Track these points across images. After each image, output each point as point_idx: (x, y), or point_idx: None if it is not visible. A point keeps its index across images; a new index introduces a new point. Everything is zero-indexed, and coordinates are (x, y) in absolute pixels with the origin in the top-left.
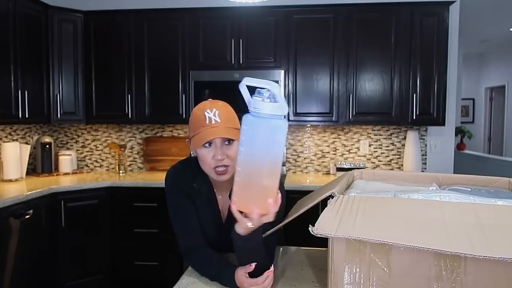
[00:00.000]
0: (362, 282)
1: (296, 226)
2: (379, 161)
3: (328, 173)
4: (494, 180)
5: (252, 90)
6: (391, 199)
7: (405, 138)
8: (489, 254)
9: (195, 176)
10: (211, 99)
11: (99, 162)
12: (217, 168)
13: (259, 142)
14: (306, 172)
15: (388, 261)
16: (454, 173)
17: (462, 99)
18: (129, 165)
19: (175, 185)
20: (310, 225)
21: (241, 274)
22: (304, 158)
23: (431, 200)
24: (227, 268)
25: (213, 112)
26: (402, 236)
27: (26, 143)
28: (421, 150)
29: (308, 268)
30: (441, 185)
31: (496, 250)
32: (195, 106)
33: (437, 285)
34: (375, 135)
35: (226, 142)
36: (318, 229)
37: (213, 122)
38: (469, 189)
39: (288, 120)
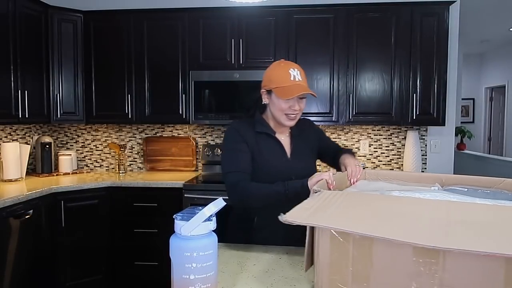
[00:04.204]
0: (345, 275)
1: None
2: (379, 161)
3: None
4: (499, 182)
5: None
6: (369, 195)
7: (405, 138)
8: (458, 247)
9: (253, 125)
10: (284, 60)
11: (99, 162)
12: (289, 115)
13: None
14: None
15: (370, 256)
16: (454, 173)
17: (462, 99)
18: (129, 165)
19: (235, 133)
20: (281, 213)
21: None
22: None
23: (408, 197)
24: (294, 181)
25: (296, 71)
26: (367, 226)
27: (26, 143)
28: (421, 150)
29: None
30: (444, 185)
31: (465, 244)
32: (195, 106)
33: (416, 281)
34: (375, 135)
35: (301, 97)
36: (287, 216)
37: (297, 79)
38: (466, 189)
39: None
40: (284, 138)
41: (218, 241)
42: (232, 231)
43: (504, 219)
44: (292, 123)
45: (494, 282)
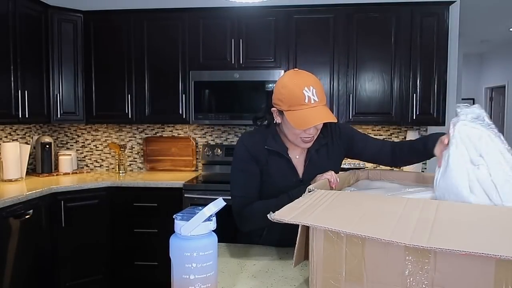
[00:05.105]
0: (339, 274)
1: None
2: None
3: None
4: None
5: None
6: (359, 194)
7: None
8: (439, 246)
9: (265, 139)
10: (297, 70)
11: (99, 162)
12: (304, 138)
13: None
14: None
15: (363, 255)
16: None
17: (462, 99)
18: (129, 165)
19: (244, 151)
20: (271, 212)
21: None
22: None
23: (397, 197)
24: (298, 188)
25: (311, 90)
26: (353, 225)
27: (26, 143)
28: None
29: (309, 268)
30: None
31: (451, 244)
32: (195, 106)
33: (408, 280)
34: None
35: None
36: (275, 214)
37: (312, 101)
38: None
39: None
40: (299, 156)
41: (223, 241)
42: (243, 235)
43: (492, 219)
44: (308, 145)
45: (484, 282)
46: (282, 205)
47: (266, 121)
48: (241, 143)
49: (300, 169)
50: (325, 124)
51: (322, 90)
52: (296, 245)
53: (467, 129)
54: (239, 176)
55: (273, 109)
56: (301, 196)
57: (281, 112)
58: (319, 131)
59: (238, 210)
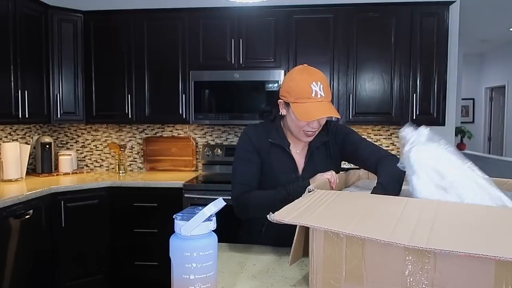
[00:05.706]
0: (339, 274)
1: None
2: None
3: None
4: (503, 182)
5: None
6: (359, 194)
7: None
8: (439, 247)
9: (269, 132)
10: (306, 65)
11: (99, 162)
12: (307, 131)
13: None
14: None
15: (363, 255)
16: None
17: (462, 99)
18: (129, 165)
19: (247, 141)
20: (270, 212)
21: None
22: None
23: (397, 197)
24: (297, 183)
25: (319, 86)
26: (353, 226)
27: (26, 143)
28: None
29: (308, 268)
30: None
31: (451, 245)
32: (195, 106)
33: (408, 280)
34: (375, 135)
35: None
36: (275, 215)
37: (319, 96)
38: None
39: None
40: (300, 152)
41: (223, 241)
42: (243, 231)
43: (492, 219)
44: (310, 139)
45: (484, 282)
46: (279, 197)
47: (272, 116)
48: (245, 134)
49: (300, 165)
50: (326, 123)
51: (329, 87)
52: (293, 243)
53: (422, 155)
54: (240, 164)
55: (279, 100)
56: (298, 190)
57: (287, 104)
58: (321, 127)
59: (237, 197)
